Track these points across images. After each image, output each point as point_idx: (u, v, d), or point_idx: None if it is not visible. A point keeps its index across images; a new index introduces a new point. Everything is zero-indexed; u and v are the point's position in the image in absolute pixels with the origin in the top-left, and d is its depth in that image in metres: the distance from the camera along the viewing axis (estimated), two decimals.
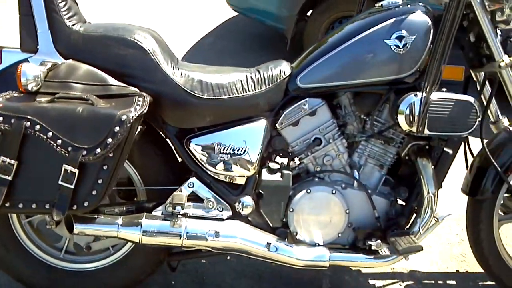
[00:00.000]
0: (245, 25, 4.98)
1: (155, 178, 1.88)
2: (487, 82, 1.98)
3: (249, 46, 4.69)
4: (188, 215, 1.84)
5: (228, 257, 2.20)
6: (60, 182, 1.59)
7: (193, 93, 1.77)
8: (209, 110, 1.80)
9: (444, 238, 2.43)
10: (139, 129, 1.68)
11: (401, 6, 1.83)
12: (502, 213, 2.06)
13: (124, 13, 5.17)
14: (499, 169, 1.89)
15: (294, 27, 4.03)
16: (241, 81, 1.83)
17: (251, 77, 1.85)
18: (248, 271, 2.17)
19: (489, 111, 2.00)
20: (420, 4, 1.85)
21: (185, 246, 1.83)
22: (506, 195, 2.03)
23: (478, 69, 1.91)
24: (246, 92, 1.82)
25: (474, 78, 1.98)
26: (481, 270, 2.08)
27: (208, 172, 1.85)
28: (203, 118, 1.81)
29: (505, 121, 2.04)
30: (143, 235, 1.78)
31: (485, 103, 1.94)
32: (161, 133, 1.88)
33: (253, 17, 4.32)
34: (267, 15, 4.17)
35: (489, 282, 2.16)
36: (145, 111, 1.63)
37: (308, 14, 4.13)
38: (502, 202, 2.02)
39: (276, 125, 1.86)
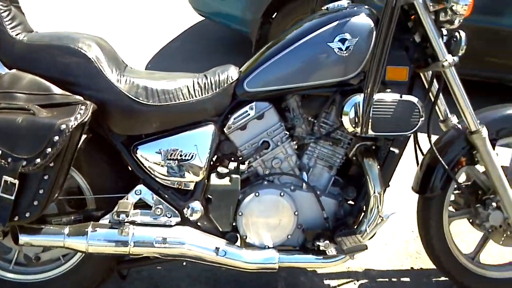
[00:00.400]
0: (211, 29, 5.00)
1: (104, 186, 1.87)
2: (435, 80, 2.01)
3: (215, 50, 4.70)
4: (136, 222, 1.84)
5: (184, 263, 2.20)
6: (0, 194, 1.57)
7: (137, 100, 1.77)
8: (155, 116, 1.80)
9: (399, 235, 2.46)
10: (83, 138, 1.67)
11: (345, 9, 1.85)
12: (452, 210, 2.09)
13: (90, 19, 5.14)
14: (447, 167, 1.92)
15: (258, 30, 4.05)
16: (187, 86, 1.83)
17: (197, 82, 1.85)
18: (204, 276, 2.17)
19: (438, 110, 2.03)
20: (365, 6, 1.87)
21: (133, 254, 1.83)
22: (455, 192, 2.06)
23: (423, 69, 1.93)
24: (192, 98, 1.82)
25: (422, 78, 2.01)
26: (435, 267, 2.11)
27: (156, 178, 1.85)
28: (149, 124, 1.81)
29: (453, 119, 2.07)
30: (89, 245, 1.77)
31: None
32: (108, 141, 1.87)
33: (218, 21, 4.33)
34: (232, 18, 4.19)
35: (442, 278, 2.19)
36: (86, 120, 1.62)
37: (273, 16, 4.15)
38: (451, 199, 2.05)
39: (224, 129, 1.86)
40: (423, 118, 1.82)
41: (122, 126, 1.81)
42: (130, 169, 1.88)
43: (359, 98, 1.77)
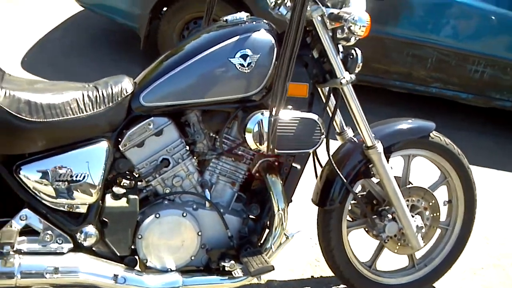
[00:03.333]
0: (96, 19, 4.67)
1: None
2: (331, 95, 2.02)
3: (100, 43, 4.42)
4: (22, 251, 1.66)
5: None
6: None
7: (19, 116, 1.57)
8: (40, 134, 1.62)
9: (298, 243, 2.49)
10: None
11: (245, 23, 1.79)
12: (349, 219, 2.15)
13: None
14: (345, 180, 1.96)
15: (147, 26, 3.87)
16: (76, 100, 1.67)
17: (88, 95, 1.69)
18: None
19: (334, 123, 2.06)
20: (264, 21, 1.84)
21: (20, 286, 1.64)
22: (352, 202, 2.11)
23: (322, 85, 1.94)
24: (82, 112, 1.66)
25: (320, 93, 2.02)
26: (335, 275, 2.15)
27: (43, 201, 1.67)
28: (34, 143, 1.63)
29: (349, 132, 2.12)
30: None
31: (330, 116, 1.98)
32: None
33: (103, 14, 4.06)
34: (118, 12, 3.95)
35: (341, 286, 2.24)
36: None
37: (163, 12, 3.99)
38: (349, 208, 2.10)
39: (120, 146, 1.73)
40: (323, 135, 1.83)
41: (1, 144, 1.60)
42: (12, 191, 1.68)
43: (261, 115, 1.74)
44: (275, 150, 1.75)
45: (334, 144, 2.01)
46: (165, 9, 3.95)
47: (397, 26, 3.74)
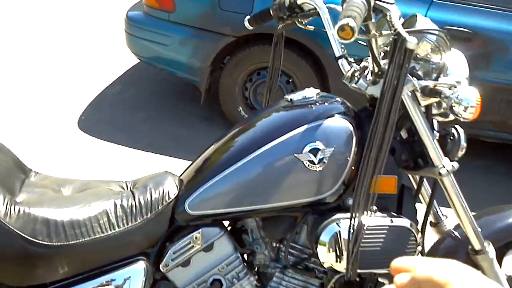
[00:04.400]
0: (156, 70, 4.47)
1: None
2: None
3: (161, 96, 4.20)
4: None
5: None
6: None
7: (35, 241, 1.27)
8: (62, 259, 1.31)
9: None
10: None
11: (314, 105, 1.42)
12: None
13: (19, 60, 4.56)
14: None
15: (208, 79, 3.59)
16: (107, 213, 1.35)
17: (121, 205, 1.37)
18: None
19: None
20: (338, 100, 1.46)
21: None
22: None
23: (413, 172, 1.53)
24: (114, 229, 1.34)
25: (411, 179, 1.61)
26: None
27: None
28: (54, 270, 1.32)
29: (446, 222, 1.68)
30: None
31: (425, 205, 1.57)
32: None
33: (161, 67, 3.84)
34: (177, 65, 3.71)
35: None
36: None
37: (224, 62, 3.71)
38: None
39: (160, 266, 1.39)
40: (420, 247, 1.41)
41: (14, 276, 1.31)
42: None
43: (338, 226, 1.35)
44: (358, 271, 1.35)
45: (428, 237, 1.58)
46: (226, 60, 3.67)
47: (489, 70, 3.24)
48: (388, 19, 1.18)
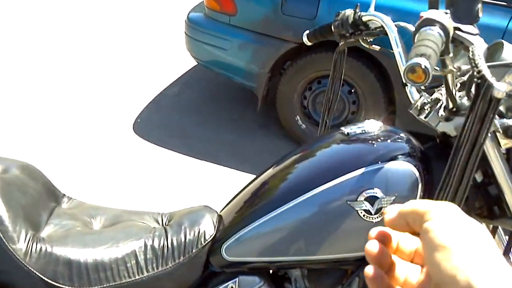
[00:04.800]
0: (215, 73, 4.39)
1: None
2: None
3: (218, 100, 4.10)
4: None
5: None
6: None
7: (56, 285, 1.16)
8: None
9: None
10: None
11: (375, 143, 1.23)
12: None
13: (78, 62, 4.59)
14: None
15: (266, 85, 3.45)
16: (135, 254, 1.22)
17: (152, 245, 1.24)
18: None
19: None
20: (402, 136, 1.26)
21: None
22: None
23: (488, 221, 1.31)
24: (142, 273, 1.21)
25: (484, 225, 1.38)
26: None
27: None
28: None
29: None
30: None
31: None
32: None
33: (219, 71, 3.72)
34: (235, 71, 3.58)
35: None
36: None
37: (284, 68, 3.54)
38: None
39: None
40: None
41: None
42: None
43: None
44: None
45: None
46: (286, 65, 3.50)
47: None
48: (471, 55, 0.96)
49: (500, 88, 0.93)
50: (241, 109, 3.93)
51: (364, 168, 1.18)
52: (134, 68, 4.51)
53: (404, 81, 0.86)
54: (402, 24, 1.42)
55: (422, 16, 0.93)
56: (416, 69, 0.87)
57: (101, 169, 3.14)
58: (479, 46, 1.00)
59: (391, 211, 0.50)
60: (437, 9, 1.06)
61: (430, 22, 0.92)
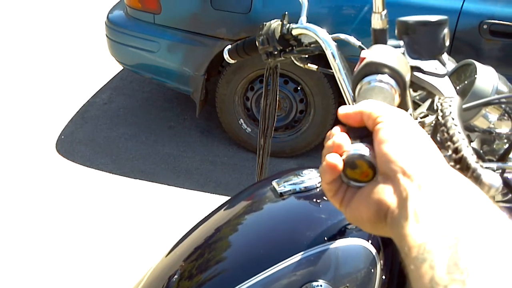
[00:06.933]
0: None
1: None
2: None
3: (154, 105, 3.70)
4: None
5: None
6: None
7: None
8: None
9: None
10: None
11: (316, 206, 0.91)
12: None
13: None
14: None
15: (202, 88, 3.08)
16: None
17: None
18: None
19: None
20: None
21: None
22: None
23: None
24: None
25: None
26: None
27: None
28: None
29: None
30: None
31: None
32: None
33: (149, 76, 3.32)
34: (166, 74, 3.18)
35: None
36: None
37: (220, 70, 3.18)
38: None
39: None
40: None
41: None
42: None
43: None
44: None
45: None
46: (222, 67, 3.14)
47: None
48: (440, 117, 0.62)
49: (493, 183, 0.61)
50: (180, 113, 3.56)
51: (302, 252, 0.85)
52: (55, 74, 4.05)
53: (343, 180, 0.52)
54: (342, 36, 1.12)
55: (364, 59, 0.59)
56: (358, 162, 0.50)
57: (18, 196, 2.72)
58: (451, 100, 0.67)
59: (347, 108, 0.54)
60: (385, 43, 0.74)
61: (375, 67, 0.59)
